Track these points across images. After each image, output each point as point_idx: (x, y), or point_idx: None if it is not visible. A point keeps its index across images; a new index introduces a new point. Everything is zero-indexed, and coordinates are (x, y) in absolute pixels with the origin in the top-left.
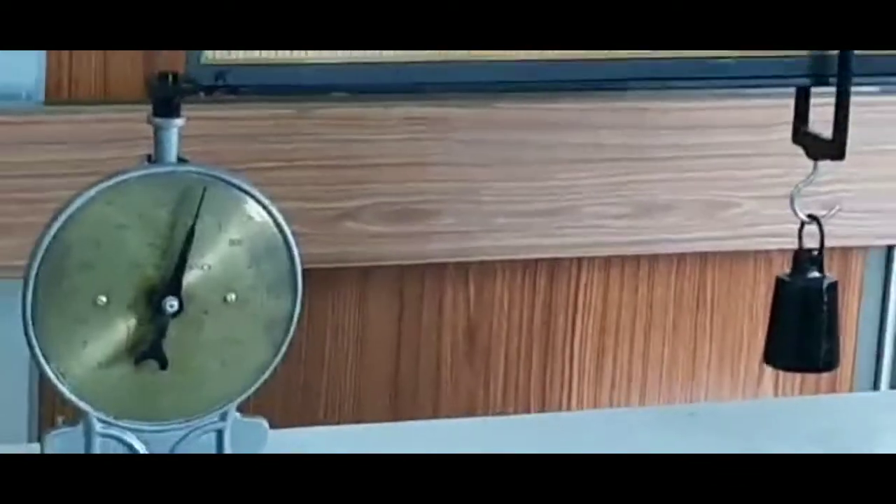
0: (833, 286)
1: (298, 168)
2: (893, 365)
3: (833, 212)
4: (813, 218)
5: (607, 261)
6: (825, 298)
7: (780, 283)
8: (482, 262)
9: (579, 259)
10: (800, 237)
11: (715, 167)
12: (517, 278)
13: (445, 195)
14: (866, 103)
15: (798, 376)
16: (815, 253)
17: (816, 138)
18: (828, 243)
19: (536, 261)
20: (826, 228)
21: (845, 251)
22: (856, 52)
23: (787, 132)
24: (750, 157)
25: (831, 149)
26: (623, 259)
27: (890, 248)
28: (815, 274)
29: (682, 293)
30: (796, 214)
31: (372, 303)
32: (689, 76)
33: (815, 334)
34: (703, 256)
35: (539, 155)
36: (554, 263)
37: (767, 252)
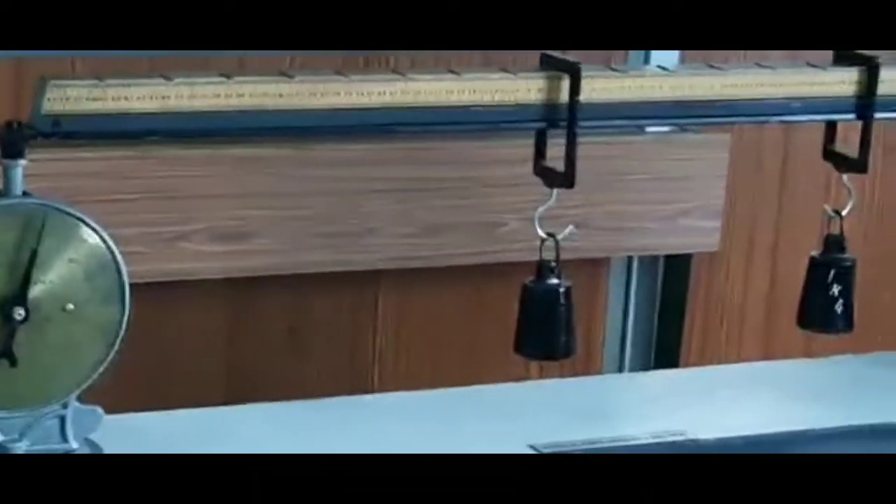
0: (568, 290)
1: (139, 200)
2: (633, 351)
3: (567, 231)
4: (550, 235)
5: (403, 272)
6: (562, 301)
7: (524, 288)
8: (299, 275)
9: (380, 271)
10: (540, 250)
11: (485, 195)
12: (329, 288)
13: (266, 221)
14: (609, 142)
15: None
16: (553, 264)
17: (551, 171)
18: (580, 255)
19: (344, 273)
20: (577, 243)
21: (595, 261)
22: (583, 100)
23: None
24: (513, 186)
25: (564, 179)
26: (417, 270)
27: (630, 258)
28: (554, 281)
29: (467, 297)
30: (538, 232)
31: (203, 311)
32: (450, 122)
33: (554, 330)
34: (481, 267)
35: (345, 187)
36: (360, 275)
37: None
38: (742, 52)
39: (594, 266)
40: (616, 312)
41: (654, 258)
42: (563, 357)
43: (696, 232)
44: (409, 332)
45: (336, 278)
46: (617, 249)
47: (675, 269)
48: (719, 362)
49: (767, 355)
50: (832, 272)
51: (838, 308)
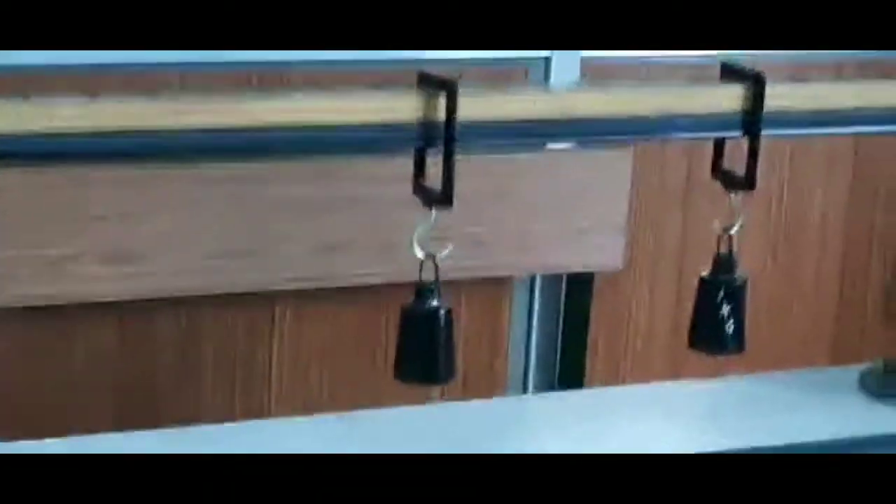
0: (448, 313)
1: (21, 221)
2: (537, 372)
3: (446, 251)
4: (429, 256)
5: (299, 293)
6: (441, 323)
7: (402, 311)
8: (191, 297)
9: (275, 292)
10: (420, 272)
11: (383, 212)
12: (223, 309)
13: (156, 241)
14: (510, 159)
15: (459, 384)
16: (432, 286)
17: (430, 190)
18: (482, 274)
19: (238, 294)
20: (478, 262)
21: (498, 280)
22: (461, 118)
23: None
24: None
25: (442, 199)
26: (313, 291)
27: (533, 277)
28: (434, 303)
29: (365, 317)
30: (416, 254)
31: (93, 334)
32: (325, 142)
33: (432, 354)
34: (379, 287)
35: (237, 206)
36: (254, 296)
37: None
38: (647, 68)
39: (497, 285)
40: (519, 332)
41: (558, 277)
42: (443, 382)
43: (599, 250)
44: (305, 354)
45: (229, 299)
46: (520, 268)
47: (579, 288)
48: (625, 382)
49: (675, 374)
50: (722, 292)
51: (729, 328)
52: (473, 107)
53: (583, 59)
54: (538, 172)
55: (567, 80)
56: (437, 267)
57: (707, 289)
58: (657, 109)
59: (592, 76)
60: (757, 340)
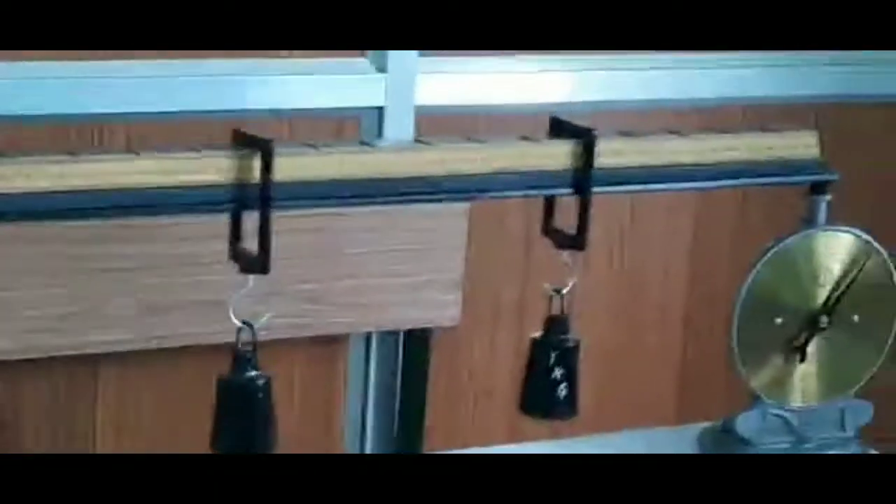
0: (266, 382)
1: None
2: (374, 434)
3: (265, 319)
4: (246, 323)
5: (123, 355)
6: (259, 394)
7: (218, 381)
8: (9, 362)
9: (98, 355)
10: (237, 339)
11: (208, 271)
12: (43, 374)
13: None
14: (341, 213)
15: (294, 447)
16: (249, 354)
17: (246, 254)
18: (315, 332)
19: (59, 358)
20: (309, 321)
21: (332, 338)
22: (277, 178)
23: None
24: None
25: (257, 264)
26: (138, 353)
27: (368, 335)
28: (252, 372)
29: (192, 380)
30: (233, 320)
31: None
32: (134, 205)
33: (250, 425)
34: (207, 348)
35: (56, 266)
36: (76, 360)
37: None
38: (485, 119)
39: (331, 344)
40: (356, 392)
41: (394, 333)
42: (265, 450)
43: (435, 305)
44: (131, 419)
45: (51, 364)
46: (354, 325)
47: (416, 345)
48: (465, 443)
49: (516, 432)
50: (554, 354)
51: (561, 392)
52: (291, 166)
53: (417, 109)
54: (372, 227)
55: (400, 132)
56: (254, 335)
57: (539, 351)
58: (484, 167)
59: (427, 127)
60: (601, 400)
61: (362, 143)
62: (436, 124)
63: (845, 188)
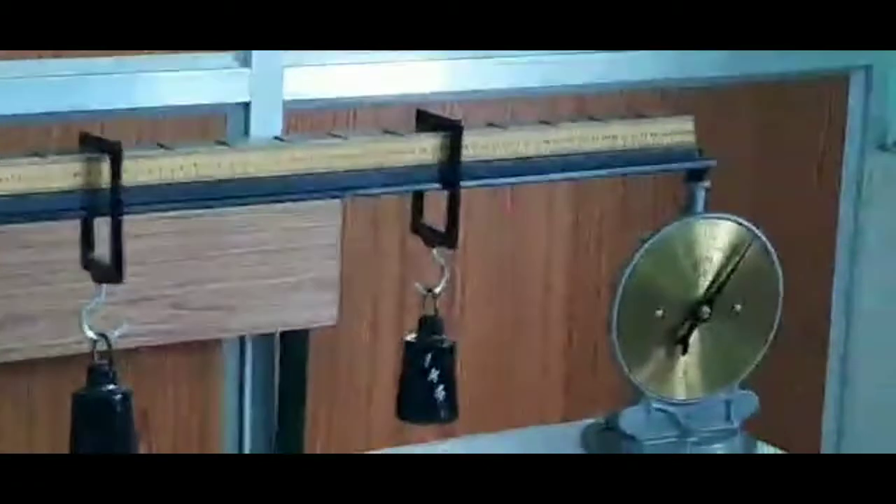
0: (127, 396)
1: None
2: (253, 442)
3: (121, 330)
4: (101, 335)
5: None
6: (118, 409)
7: (73, 397)
8: None
9: None
10: (93, 354)
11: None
12: None
13: None
14: (209, 213)
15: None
16: (105, 367)
17: (98, 264)
18: (185, 338)
19: None
20: (181, 325)
21: (206, 343)
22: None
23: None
24: None
25: (110, 273)
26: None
27: (242, 338)
28: (111, 386)
29: (60, 392)
30: (86, 333)
31: None
32: None
33: (112, 440)
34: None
35: None
36: None
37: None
38: (355, 112)
39: (205, 349)
40: (232, 399)
41: (270, 336)
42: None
43: (311, 306)
44: None
45: None
46: (225, 329)
47: (294, 347)
48: (345, 446)
49: (399, 434)
50: (428, 356)
51: (439, 395)
52: (140, 169)
53: (286, 104)
54: (242, 227)
55: (268, 128)
56: (110, 346)
57: (412, 353)
58: (346, 164)
59: (296, 123)
60: (486, 399)
61: (218, 142)
62: (306, 119)
63: (727, 175)
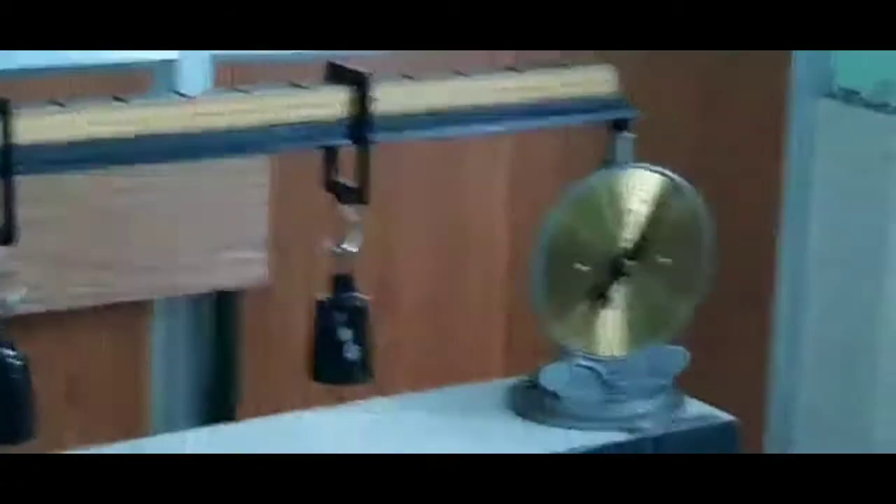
0: (24, 363)
1: None
2: (185, 405)
3: (20, 295)
4: None
5: None
6: (12, 375)
7: None
8: None
9: None
10: None
11: None
12: None
13: None
14: (137, 174)
15: (101, 422)
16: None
17: None
18: (113, 300)
19: None
20: (109, 288)
21: (136, 305)
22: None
23: None
24: None
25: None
26: None
27: (173, 299)
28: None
29: None
30: None
31: None
32: None
33: (7, 411)
34: None
35: None
36: None
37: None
38: (285, 66)
39: (135, 311)
40: (163, 361)
41: (201, 297)
42: (25, 440)
43: (242, 266)
44: None
45: None
46: (157, 290)
47: (225, 308)
48: (281, 405)
49: (333, 394)
50: (341, 316)
51: (352, 355)
52: (33, 129)
53: (215, 58)
54: (170, 187)
55: (198, 84)
56: (6, 310)
57: (324, 313)
58: (255, 120)
59: (224, 79)
60: (425, 358)
61: (116, 98)
62: (236, 75)
63: (670, 128)
